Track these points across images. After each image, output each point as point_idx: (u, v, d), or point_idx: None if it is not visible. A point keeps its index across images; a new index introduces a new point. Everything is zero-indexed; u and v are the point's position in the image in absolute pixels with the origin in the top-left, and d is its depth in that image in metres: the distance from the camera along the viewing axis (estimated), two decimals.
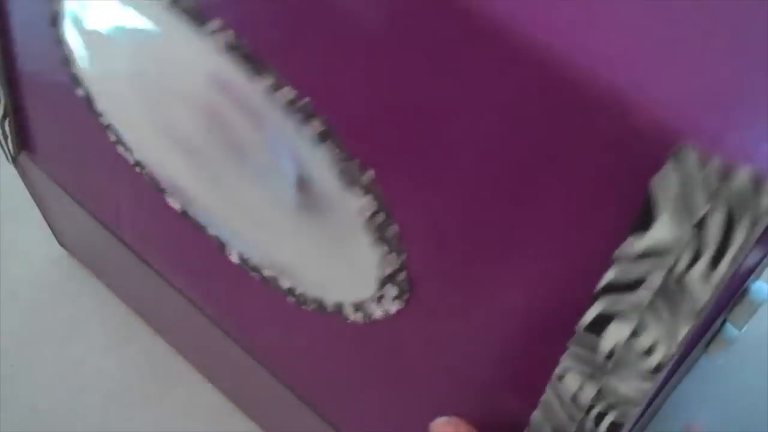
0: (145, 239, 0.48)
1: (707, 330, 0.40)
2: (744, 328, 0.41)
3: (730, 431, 0.52)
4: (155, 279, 0.49)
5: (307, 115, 0.33)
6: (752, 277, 0.40)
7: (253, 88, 0.34)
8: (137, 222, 0.47)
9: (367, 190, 0.33)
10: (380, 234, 0.33)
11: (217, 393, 0.56)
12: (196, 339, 0.51)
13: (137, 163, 0.43)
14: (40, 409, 0.55)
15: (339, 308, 0.37)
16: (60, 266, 0.60)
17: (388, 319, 0.35)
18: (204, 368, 0.56)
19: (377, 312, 0.35)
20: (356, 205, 0.33)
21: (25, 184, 0.57)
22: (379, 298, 0.35)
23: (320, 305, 0.38)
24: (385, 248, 0.34)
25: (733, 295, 0.39)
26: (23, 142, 0.51)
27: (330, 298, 0.37)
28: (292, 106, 0.33)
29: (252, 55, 0.33)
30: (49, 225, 0.60)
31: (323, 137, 0.33)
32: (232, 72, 0.34)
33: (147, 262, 0.49)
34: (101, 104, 0.42)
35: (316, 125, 0.33)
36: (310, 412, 0.43)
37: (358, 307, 0.36)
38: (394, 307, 0.35)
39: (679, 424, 0.53)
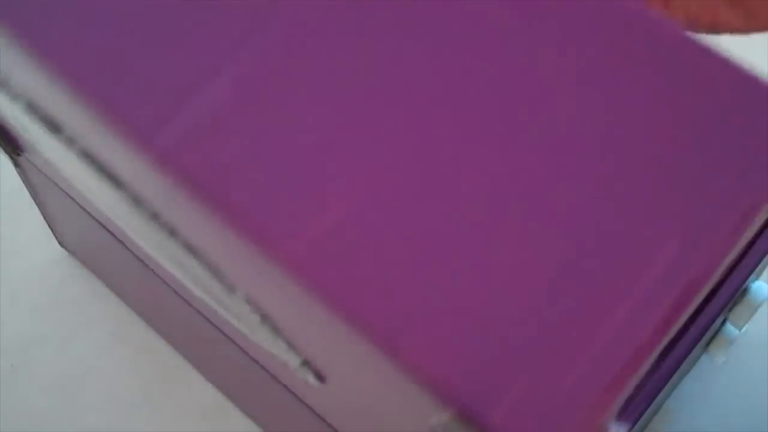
0: (134, 245, 0.48)
1: (707, 330, 0.40)
2: (744, 328, 0.41)
3: (730, 431, 0.52)
4: (154, 280, 0.49)
5: (170, 231, 0.32)
6: (752, 276, 0.40)
7: (117, 199, 0.33)
8: (119, 232, 0.47)
9: (246, 300, 0.32)
10: (276, 334, 0.33)
11: (217, 393, 0.56)
12: (196, 339, 0.51)
13: (82, 195, 0.42)
14: (40, 409, 0.55)
15: (285, 363, 0.37)
16: (60, 266, 0.60)
17: (320, 387, 0.35)
18: (204, 368, 0.56)
19: (309, 379, 0.35)
20: (243, 309, 0.33)
21: (25, 184, 0.57)
22: (305, 373, 0.35)
23: (272, 354, 0.38)
24: (286, 345, 0.33)
25: (732, 294, 0.39)
26: (18, 146, 0.51)
27: (275, 353, 0.37)
28: (155, 220, 0.32)
29: (108, 168, 0.32)
30: (49, 225, 0.60)
31: (190, 250, 0.32)
32: (101, 181, 0.34)
33: (145, 263, 0.49)
34: (35, 144, 0.42)
35: (180, 239, 0.32)
36: (308, 412, 0.43)
37: (296, 369, 0.36)
38: (317, 383, 0.35)
39: (680, 424, 0.53)
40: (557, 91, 0.28)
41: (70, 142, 0.33)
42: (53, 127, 0.33)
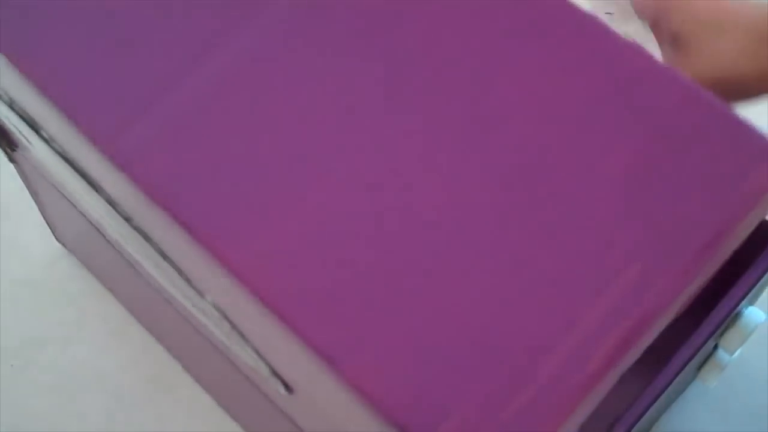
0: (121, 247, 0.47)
1: (696, 353, 0.39)
2: (737, 353, 0.40)
3: (730, 431, 0.52)
4: (141, 282, 0.48)
5: (144, 234, 0.32)
6: (744, 302, 0.39)
7: (97, 201, 0.33)
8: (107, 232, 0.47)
9: (215, 308, 0.32)
10: (245, 342, 0.33)
11: None
12: (182, 342, 0.51)
13: (71, 193, 0.42)
14: (40, 409, 0.55)
15: (257, 372, 0.36)
16: (59, 265, 0.60)
17: (290, 396, 0.35)
18: (190, 369, 0.56)
19: (281, 390, 0.35)
20: (213, 316, 0.32)
21: (22, 178, 0.57)
22: (275, 383, 0.34)
23: (246, 363, 0.37)
24: (255, 354, 0.33)
25: (723, 320, 0.38)
26: (12, 141, 0.51)
27: (248, 361, 0.37)
28: (129, 222, 0.32)
29: (83, 169, 0.32)
30: (48, 224, 0.60)
31: (163, 256, 0.32)
32: (77, 182, 0.33)
33: (133, 265, 0.48)
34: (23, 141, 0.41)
35: (153, 242, 0.32)
36: (283, 418, 0.43)
37: (267, 378, 0.35)
38: (287, 393, 0.34)
39: (680, 424, 0.52)
40: (525, 116, 0.27)
41: (49, 141, 0.33)
42: (33, 125, 0.33)
